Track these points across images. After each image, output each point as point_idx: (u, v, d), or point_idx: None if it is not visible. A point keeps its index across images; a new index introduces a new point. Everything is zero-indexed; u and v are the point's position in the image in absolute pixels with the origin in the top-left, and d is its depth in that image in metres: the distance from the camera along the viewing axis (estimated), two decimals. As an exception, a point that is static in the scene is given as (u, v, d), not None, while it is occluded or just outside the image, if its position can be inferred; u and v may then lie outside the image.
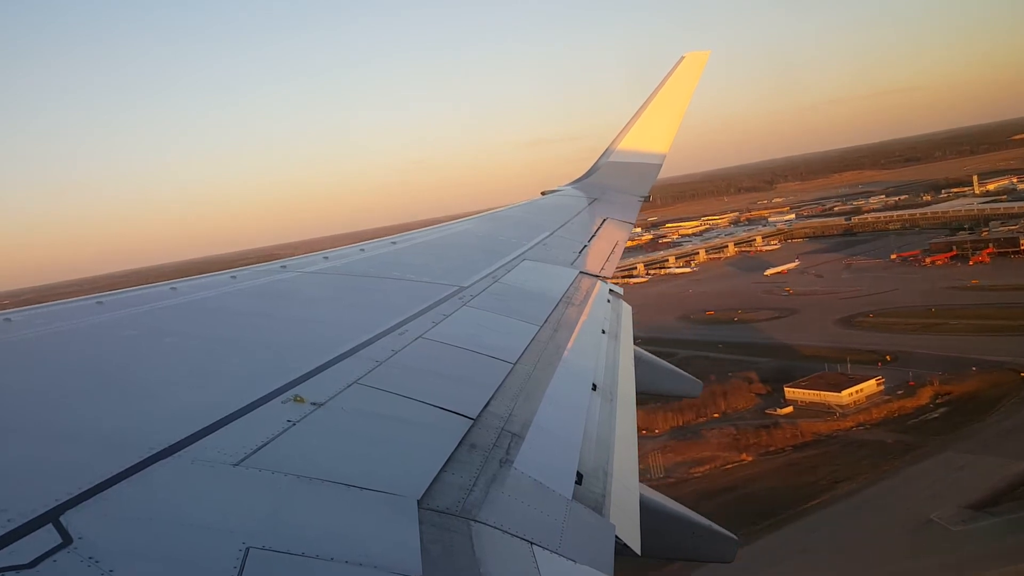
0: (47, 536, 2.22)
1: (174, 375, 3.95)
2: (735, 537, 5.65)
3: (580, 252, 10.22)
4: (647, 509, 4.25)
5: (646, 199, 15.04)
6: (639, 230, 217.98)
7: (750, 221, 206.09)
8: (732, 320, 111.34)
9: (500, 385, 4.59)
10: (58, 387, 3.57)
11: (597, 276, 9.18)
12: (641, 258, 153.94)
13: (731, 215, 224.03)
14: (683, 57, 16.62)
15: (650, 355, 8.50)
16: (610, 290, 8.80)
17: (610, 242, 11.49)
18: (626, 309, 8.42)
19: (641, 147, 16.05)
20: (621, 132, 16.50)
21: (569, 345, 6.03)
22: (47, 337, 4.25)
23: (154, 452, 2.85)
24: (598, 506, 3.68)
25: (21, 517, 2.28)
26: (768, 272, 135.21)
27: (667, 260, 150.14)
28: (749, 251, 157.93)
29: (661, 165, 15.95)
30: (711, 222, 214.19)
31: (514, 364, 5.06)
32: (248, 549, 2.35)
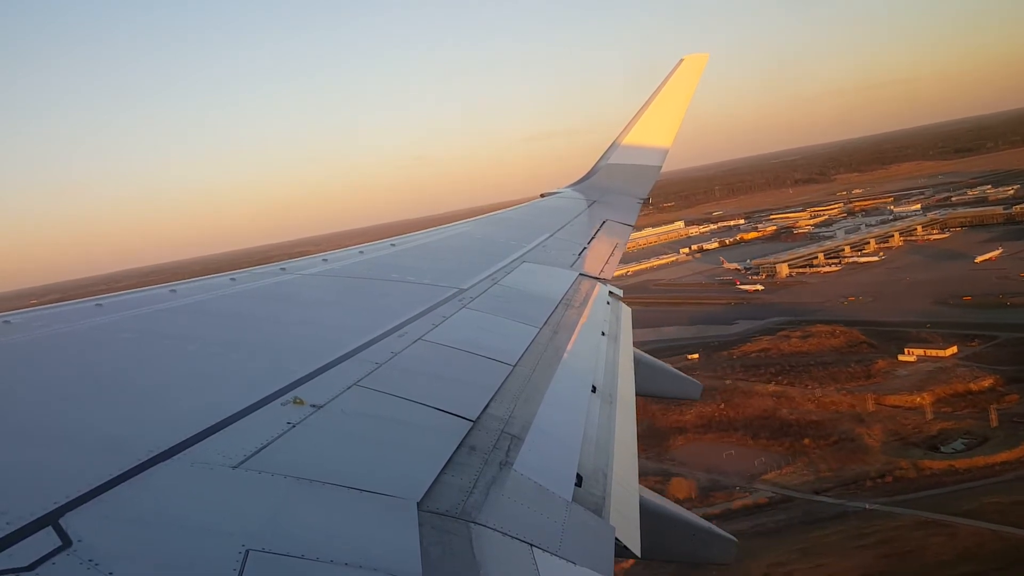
0: (46, 538, 2.22)
1: (173, 377, 3.95)
2: (734, 539, 5.65)
3: (580, 254, 10.22)
4: (647, 511, 4.25)
5: (646, 201, 15.05)
6: (741, 222, 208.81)
7: (866, 212, 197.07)
8: (1004, 305, 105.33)
9: (500, 387, 4.59)
10: (57, 389, 3.57)
11: (597, 278, 9.18)
12: (815, 248, 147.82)
13: (838, 206, 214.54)
14: (682, 60, 16.64)
15: (649, 357, 8.50)
16: (610, 292, 8.80)
17: (610, 244, 11.49)
18: (625, 311, 8.42)
19: (640, 149, 16.06)
20: (620, 134, 16.50)
21: (569, 347, 6.03)
22: (46, 339, 4.25)
23: (153, 454, 2.85)
24: (598, 508, 3.68)
25: (20, 520, 2.28)
26: (978, 259, 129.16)
27: (843, 249, 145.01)
28: (917, 240, 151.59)
29: (661, 167, 15.96)
30: (823, 212, 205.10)
31: (514, 366, 5.06)
32: (248, 551, 2.35)
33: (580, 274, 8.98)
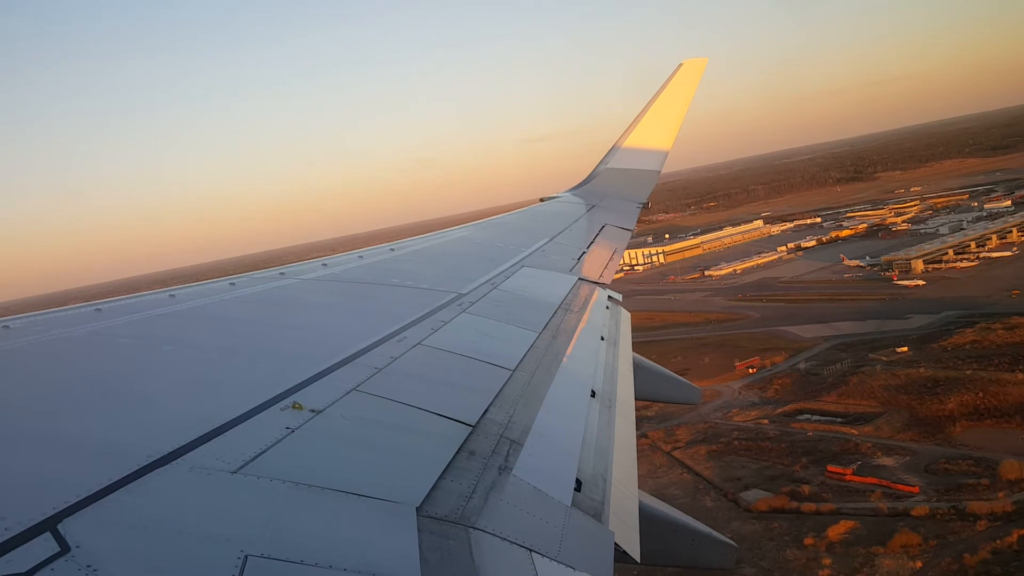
0: (45, 544, 2.22)
1: (172, 382, 3.95)
2: (734, 544, 5.64)
3: (579, 259, 10.23)
4: (646, 516, 4.24)
5: (645, 205, 15.08)
6: (818, 220, 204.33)
7: (949, 208, 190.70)
8: None
9: (499, 392, 4.59)
10: (56, 394, 3.57)
11: (596, 283, 9.18)
12: (940, 245, 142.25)
13: (915, 202, 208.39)
14: (681, 64, 16.69)
15: (649, 362, 8.50)
16: (609, 296, 8.80)
17: (609, 249, 11.50)
18: (625, 316, 8.42)
19: (639, 154, 16.09)
20: (619, 138, 16.54)
21: (568, 352, 6.03)
22: (45, 344, 4.25)
23: (152, 460, 2.84)
24: (597, 513, 3.68)
25: (18, 525, 2.27)
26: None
27: (969, 245, 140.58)
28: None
29: (660, 171, 15.99)
30: (906, 209, 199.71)
31: (513, 371, 5.06)
32: (247, 557, 2.34)
33: (579, 279, 8.98)
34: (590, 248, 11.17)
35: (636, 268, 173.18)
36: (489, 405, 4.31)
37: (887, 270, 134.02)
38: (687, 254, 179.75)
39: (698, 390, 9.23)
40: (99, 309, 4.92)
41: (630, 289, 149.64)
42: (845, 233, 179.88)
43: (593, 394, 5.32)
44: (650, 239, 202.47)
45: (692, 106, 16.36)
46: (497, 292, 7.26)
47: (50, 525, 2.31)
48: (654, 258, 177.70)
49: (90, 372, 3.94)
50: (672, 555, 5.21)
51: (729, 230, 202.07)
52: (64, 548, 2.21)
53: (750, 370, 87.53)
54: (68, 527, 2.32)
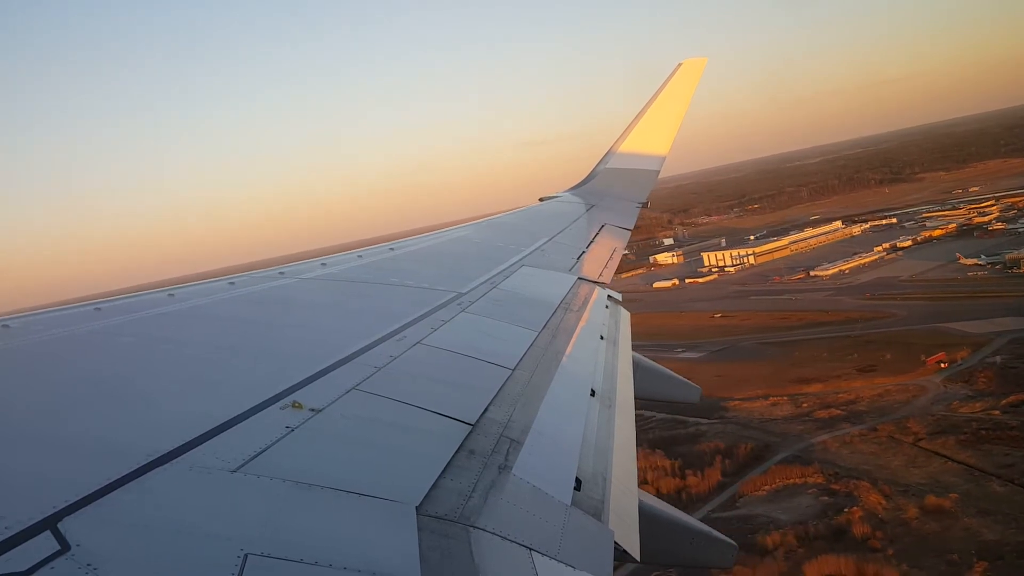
0: (45, 543, 2.22)
1: (172, 381, 3.95)
2: (734, 543, 5.64)
3: (578, 258, 10.23)
4: (646, 515, 4.24)
5: (644, 205, 15.08)
6: (893, 221, 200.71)
7: None
8: None
9: (499, 391, 4.59)
10: (55, 393, 3.57)
11: (596, 282, 9.19)
12: None
13: (990, 203, 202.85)
14: (680, 64, 16.69)
15: (649, 361, 8.49)
16: (608, 296, 8.80)
17: (608, 248, 11.50)
18: (624, 315, 8.42)
19: (639, 154, 16.10)
20: (619, 138, 16.55)
21: (568, 351, 6.03)
22: (45, 343, 4.25)
23: (152, 459, 2.84)
24: (597, 512, 3.68)
25: (18, 524, 2.27)
26: None
27: None
28: None
29: (659, 171, 16.00)
30: (985, 209, 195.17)
31: (513, 370, 5.06)
32: (246, 555, 2.34)
33: (579, 278, 8.98)
34: (590, 248, 11.17)
35: (727, 270, 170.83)
36: (489, 404, 4.31)
37: (1012, 268, 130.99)
38: (776, 255, 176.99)
39: (698, 389, 9.22)
40: (99, 308, 4.93)
41: (736, 291, 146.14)
42: (937, 232, 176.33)
43: (593, 393, 5.32)
44: (723, 242, 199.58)
45: (693, 107, 16.36)
46: (496, 291, 7.26)
47: (50, 524, 2.31)
48: (746, 259, 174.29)
49: (90, 371, 3.94)
50: (672, 554, 5.21)
51: (810, 231, 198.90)
52: (64, 547, 2.21)
53: (941, 365, 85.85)
54: (68, 526, 2.32)
